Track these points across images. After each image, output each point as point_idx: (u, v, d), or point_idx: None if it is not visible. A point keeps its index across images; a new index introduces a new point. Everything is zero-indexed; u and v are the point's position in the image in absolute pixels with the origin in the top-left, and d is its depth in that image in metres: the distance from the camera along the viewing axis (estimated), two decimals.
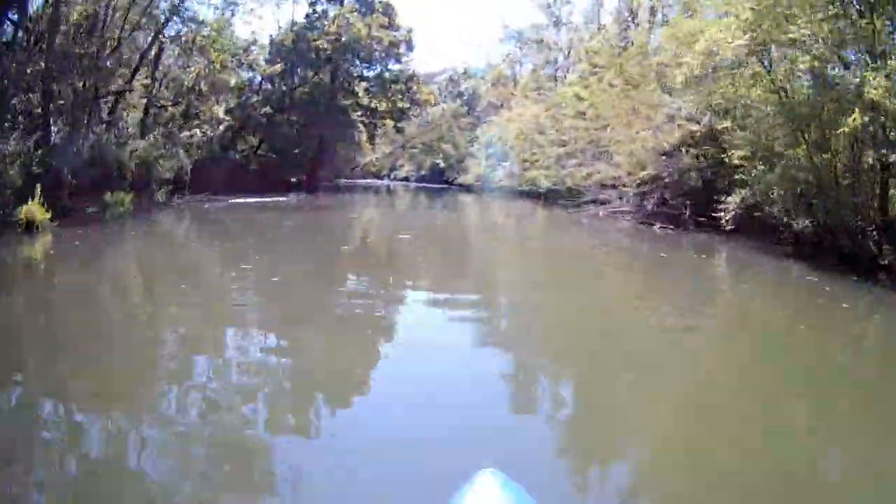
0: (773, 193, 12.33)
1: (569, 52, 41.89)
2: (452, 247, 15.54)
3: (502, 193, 38.41)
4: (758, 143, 12.84)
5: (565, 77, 38.22)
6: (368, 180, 62.35)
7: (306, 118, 30.33)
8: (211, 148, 23.21)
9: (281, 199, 25.10)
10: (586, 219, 20.92)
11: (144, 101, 21.96)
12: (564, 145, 26.81)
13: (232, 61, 24.75)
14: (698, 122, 15.78)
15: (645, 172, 17.45)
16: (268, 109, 27.83)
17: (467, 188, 47.67)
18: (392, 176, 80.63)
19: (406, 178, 73.95)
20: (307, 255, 11.94)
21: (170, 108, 24.27)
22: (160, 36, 20.68)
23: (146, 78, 22.47)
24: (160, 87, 23.40)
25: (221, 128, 24.63)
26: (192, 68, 24.51)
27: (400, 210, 28.17)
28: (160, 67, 23.26)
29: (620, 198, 18.59)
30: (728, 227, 13.93)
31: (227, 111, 24.96)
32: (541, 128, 32.04)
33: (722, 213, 13.91)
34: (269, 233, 15.69)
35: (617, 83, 21.19)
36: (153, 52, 21.67)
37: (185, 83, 25.10)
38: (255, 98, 25.81)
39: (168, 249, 12.32)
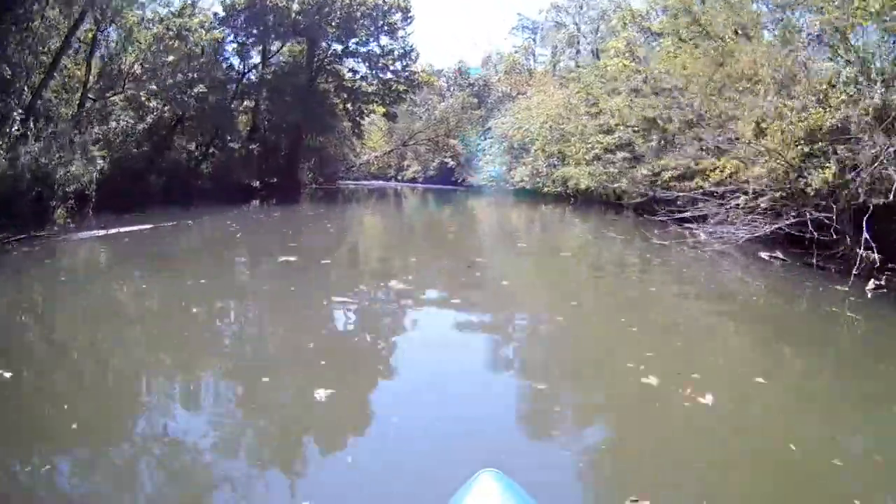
0: None
1: (597, 29, 35.48)
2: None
3: (522, 195, 31.99)
4: None
5: (596, 54, 31.36)
6: (373, 182, 55.69)
7: (273, 106, 23.87)
8: (129, 149, 16.76)
9: (231, 212, 18.64)
10: (658, 237, 14.10)
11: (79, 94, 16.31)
12: (609, 132, 20.12)
13: (169, 32, 18.42)
14: None
15: (759, 173, 10.60)
16: (217, 95, 21.13)
17: (480, 189, 40.91)
18: (399, 177, 74.29)
19: (414, 179, 67.45)
20: None
21: (109, 99, 18.12)
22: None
23: (77, 66, 16.94)
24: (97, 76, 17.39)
25: (149, 119, 18.16)
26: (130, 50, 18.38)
27: (388, 230, 21.50)
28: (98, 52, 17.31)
29: (723, 206, 11.63)
30: None
31: (157, 97, 18.44)
32: (573, 113, 25.37)
33: None
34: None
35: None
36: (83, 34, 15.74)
37: (123, 68, 18.89)
38: (196, 79, 19.05)
39: None
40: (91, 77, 17.39)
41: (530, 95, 34.07)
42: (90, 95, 18.18)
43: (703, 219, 11.88)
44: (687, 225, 12.99)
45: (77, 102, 17.38)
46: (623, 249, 13.37)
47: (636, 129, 18.54)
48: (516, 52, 48.13)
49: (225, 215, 17.73)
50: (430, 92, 43.12)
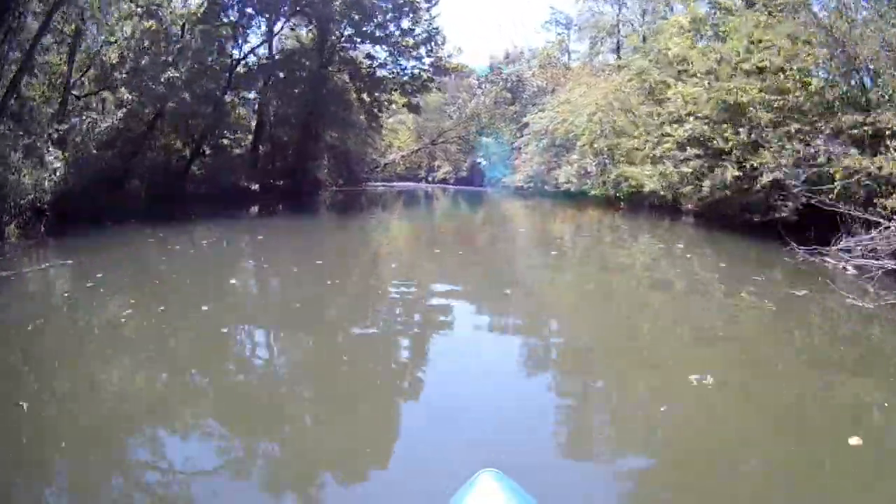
0: None
1: (644, 12, 31.70)
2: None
3: (560, 197, 28.32)
4: None
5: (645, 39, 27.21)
6: (401, 183, 52.51)
7: (279, 97, 20.71)
8: (89, 150, 13.74)
9: (211, 225, 15.46)
10: (767, 261, 10.14)
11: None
12: (679, 122, 16.17)
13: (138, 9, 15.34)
14: None
15: None
16: (205, 84, 17.92)
17: (515, 190, 37.08)
18: (430, 178, 70.92)
19: (444, 180, 64.07)
20: None
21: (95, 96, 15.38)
22: None
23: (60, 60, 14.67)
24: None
25: (120, 114, 15.10)
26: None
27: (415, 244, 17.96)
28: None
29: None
30: None
31: (128, 86, 15.36)
32: (625, 104, 21.45)
33: None
34: None
35: None
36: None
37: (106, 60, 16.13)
38: (172, 63, 15.79)
39: None
40: (74, 73, 14.70)
41: (570, 88, 30.30)
42: (73, 92, 15.42)
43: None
44: (818, 251, 9.01)
45: (59, 101, 14.69)
46: (733, 287, 8.75)
47: (711, 120, 14.66)
48: (550, 45, 44.19)
49: (202, 229, 14.58)
50: (460, 88, 39.47)
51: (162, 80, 14.91)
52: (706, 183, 13.97)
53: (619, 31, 34.65)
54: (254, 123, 22.86)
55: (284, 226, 16.95)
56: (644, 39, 26.46)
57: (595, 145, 23.41)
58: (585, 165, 24.07)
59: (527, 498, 1.98)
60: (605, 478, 3.39)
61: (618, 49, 35.52)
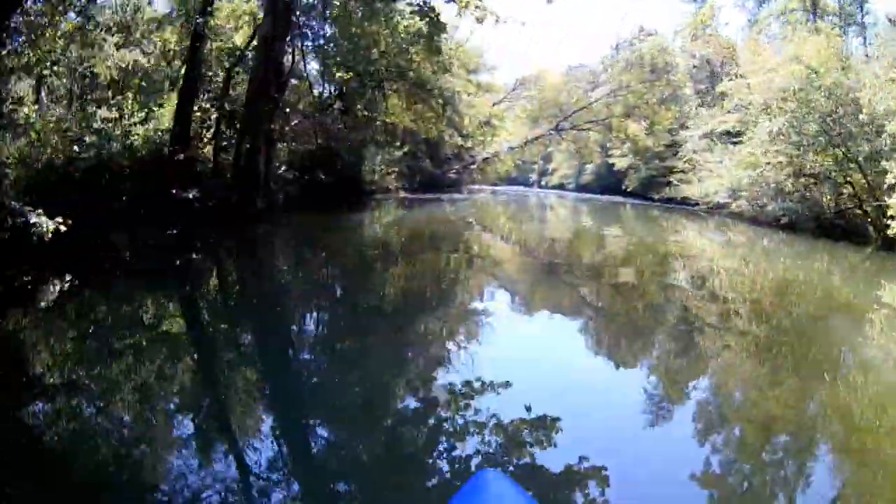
0: None
1: None
2: None
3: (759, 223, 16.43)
4: None
5: None
6: (502, 187, 41.94)
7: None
8: None
9: None
10: None
11: None
12: None
13: None
14: None
15: None
16: None
17: (684, 204, 24.44)
18: (543, 182, 59.36)
19: (561, 185, 52.43)
20: None
21: None
22: None
23: None
24: None
25: None
26: None
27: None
28: None
29: None
30: None
31: None
32: None
33: None
34: None
35: None
36: None
37: None
38: None
39: None
40: None
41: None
42: None
43: None
44: None
45: None
46: None
47: None
48: (700, 10, 31.29)
49: None
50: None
51: None
52: None
53: None
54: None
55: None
56: None
57: None
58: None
59: (527, 498, 1.94)
60: None
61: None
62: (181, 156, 10.43)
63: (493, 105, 32.08)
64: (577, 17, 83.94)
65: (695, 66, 26.98)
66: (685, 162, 24.16)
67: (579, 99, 28.51)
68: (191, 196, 9.85)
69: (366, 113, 18.02)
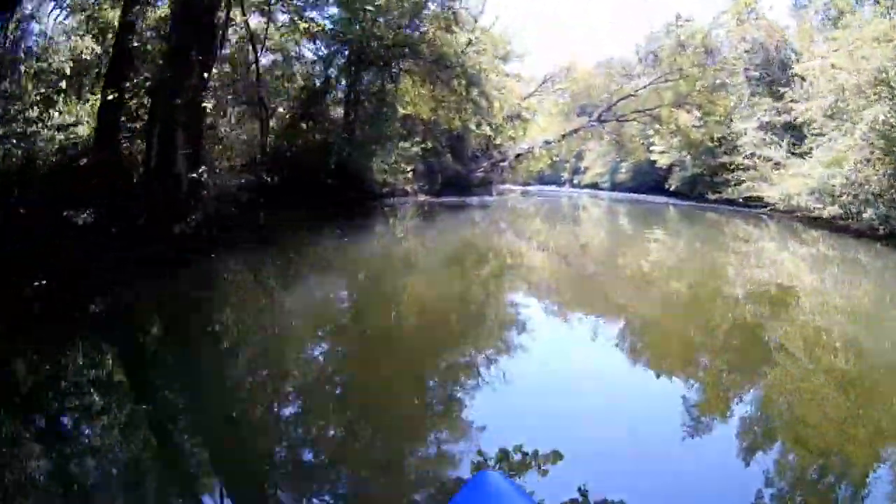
0: None
1: None
2: None
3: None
4: None
5: None
6: (535, 187, 39.27)
7: None
8: None
9: None
10: None
11: None
12: None
13: None
14: None
15: None
16: None
17: (744, 206, 21.32)
18: (575, 181, 56.26)
19: (595, 185, 49.43)
20: None
21: None
22: None
23: None
24: None
25: None
26: None
27: None
28: None
29: None
30: None
31: None
32: None
33: None
34: None
35: None
36: None
37: None
38: None
39: None
40: None
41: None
42: None
43: None
44: None
45: None
46: None
47: None
48: None
49: None
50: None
51: None
52: None
53: None
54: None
55: None
56: None
57: None
58: None
59: (527, 498, 1.91)
60: None
61: None
62: (85, 160, 7.56)
63: (525, 98, 29.58)
64: (602, 13, 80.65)
65: (746, 51, 23.84)
66: (745, 157, 21.24)
67: (621, 88, 25.67)
68: (80, 220, 6.56)
69: (373, 100, 15.70)
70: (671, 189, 33.17)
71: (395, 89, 16.34)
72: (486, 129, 22.98)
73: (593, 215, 23.36)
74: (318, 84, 15.95)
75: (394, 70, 16.04)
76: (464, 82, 16.36)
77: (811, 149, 18.66)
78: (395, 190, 18.78)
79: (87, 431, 3.46)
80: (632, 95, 24.57)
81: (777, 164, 20.15)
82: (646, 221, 19.74)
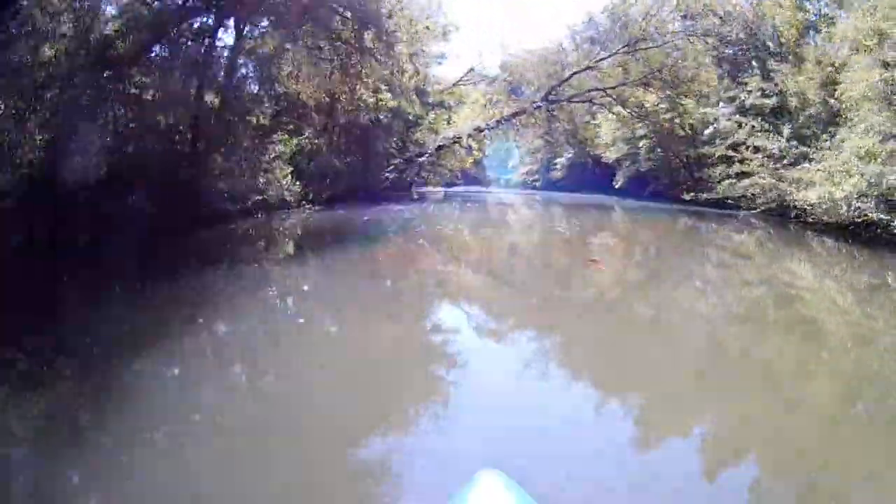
0: None
1: None
2: None
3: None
4: None
5: None
6: (461, 188, 33.84)
7: None
8: None
9: None
10: None
11: None
12: None
13: None
14: None
15: None
16: None
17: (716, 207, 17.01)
18: (502, 181, 52.56)
19: (524, 184, 45.43)
20: None
21: None
22: None
23: None
24: None
25: None
26: None
27: None
28: None
29: None
30: None
31: None
32: None
33: None
34: None
35: None
36: None
37: None
38: None
39: None
40: None
41: None
42: None
43: None
44: None
45: None
46: None
47: None
48: None
49: None
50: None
51: None
52: None
53: None
54: None
55: None
56: None
57: None
58: None
59: (527, 498, 1.92)
60: None
61: None
62: None
63: (454, 85, 24.16)
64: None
65: (720, 19, 19.36)
66: (729, 148, 16.64)
67: (576, 62, 20.24)
68: None
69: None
70: (617, 187, 28.87)
71: (241, 45, 10.21)
72: (398, 102, 16.95)
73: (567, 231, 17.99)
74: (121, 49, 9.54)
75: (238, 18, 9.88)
76: (352, 24, 10.36)
77: (825, 139, 14.36)
78: (265, 203, 12.54)
79: None
80: (589, 68, 19.17)
81: (771, 156, 15.75)
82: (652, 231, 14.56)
